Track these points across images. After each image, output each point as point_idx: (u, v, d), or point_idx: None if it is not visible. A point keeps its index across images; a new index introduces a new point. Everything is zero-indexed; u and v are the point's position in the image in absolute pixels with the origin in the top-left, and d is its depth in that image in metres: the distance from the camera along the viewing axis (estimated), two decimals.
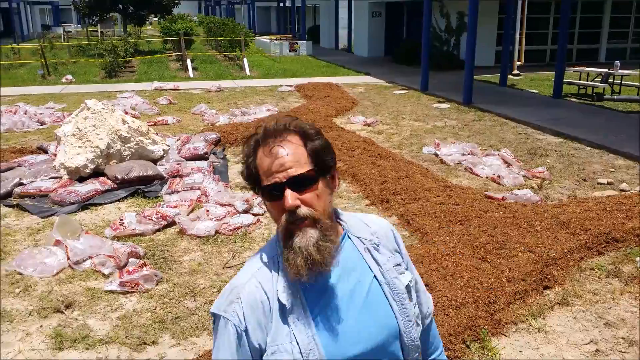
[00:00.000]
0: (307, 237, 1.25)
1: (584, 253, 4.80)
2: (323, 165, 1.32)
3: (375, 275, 1.37)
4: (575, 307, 4.06)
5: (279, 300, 1.29)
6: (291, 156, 1.27)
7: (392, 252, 1.44)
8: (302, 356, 1.26)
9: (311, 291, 1.31)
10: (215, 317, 1.34)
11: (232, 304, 1.31)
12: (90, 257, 4.77)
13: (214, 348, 1.36)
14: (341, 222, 1.41)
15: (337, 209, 1.44)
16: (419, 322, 1.45)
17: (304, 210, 1.26)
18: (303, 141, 1.31)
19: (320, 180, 1.31)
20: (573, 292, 4.25)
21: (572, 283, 4.38)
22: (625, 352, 3.54)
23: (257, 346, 1.29)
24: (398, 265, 1.43)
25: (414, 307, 1.43)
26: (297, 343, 1.26)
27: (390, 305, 1.36)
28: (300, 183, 1.27)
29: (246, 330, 1.29)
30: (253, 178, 1.32)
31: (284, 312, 1.29)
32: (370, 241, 1.41)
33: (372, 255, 1.39)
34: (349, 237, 1.39)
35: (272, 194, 1.28)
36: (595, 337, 3.70)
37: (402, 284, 1.39)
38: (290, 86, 14.96)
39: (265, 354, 1.29)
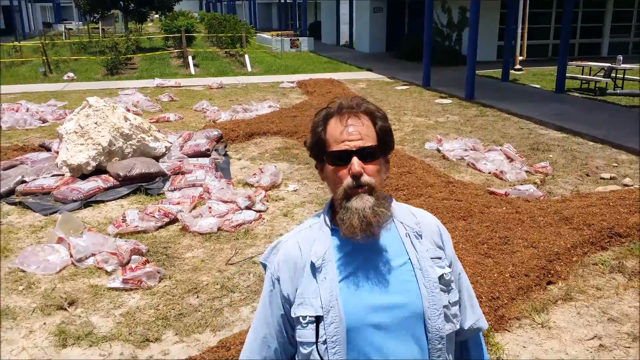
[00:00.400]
0: (364, 201, 1.38)
1: (587, 248, 4.78)
2: (385, 145, 1.46)
3: (410, 259, 1.44)
4: (578, 303, 4.05)
5: (311, 260, 1.43)
6: (363, 130, 1.41)
7: (434, 246, 1.51)
8: (322, 312, 1.38)
9: (344, 258, 1.43)
10: (263, 266, 1.55)
11: (272, 255, 1.52)
12: (93, 255, 4.77)
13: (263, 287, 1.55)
14: (390, 206, 1.50)
15: (389, 195, 1.53)
16: (454, 320, 1.47)
17: (366, 177, 1.39)
18: (372, 121, 1.44)
19: (381, 157, 1.45)
20: (576, 287, 4.24)
21: (576, 278, 4.37)
22: (629, 347, 3.53)
23: (286, 295, 1.45)
24: (438, 258, 1.49)
25: (447, 301, 1.46)
26: (321, 299, 1.38)
27: (420, 290, 1.42)
28: (366, 154, 1.40)
29: (279, 279, 1.46)
30: (318, 145, 1.45)
31: (314, 270, 1.42)
32: (412, 229, 1.49)
33: (411, 241, 1.47)
34: (393, 221, 1.48)
35: (338, 159, 1.40)
36: (599, 332, 3.69)
37: (435, 273, 1.45)
38: (292, 82, 14.94)
39: (293, 304, 1.44)
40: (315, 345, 1.39)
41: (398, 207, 1.53)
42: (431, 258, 1.46)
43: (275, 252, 1.51)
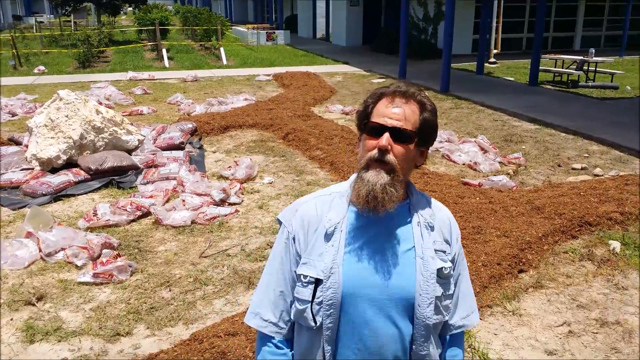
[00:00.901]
0: (379, 176, 1.43)
1: (558, 237, 4.85)
2: (424, 136, 1.51)
3: (415, 246, 1.50)
4: (549, 290, 4.11)
5: (324, 225, 1.50)
6: (406, 114, 1.47)
7: (442, 239, 1.55)
8: (323, 275, 1.46)
9: (355, 230, 1.50)
10: (279, 222, 1.61)
11: (290, 214, 1.58)
12: (62, 249, 4.69)
13: (273, 246, 1.62)
14: (410, 193, 1.57)
15: (414, 185, 1.60)
16: (443, 311, 1.53)
17: (390, 156, 1.44)
18: (420, 110, 1.50)
19: (415, 146, 1.50)
20: (547, 275, 4.30)
21: (547, 266, 4.43)
22: (597, 333, 3.59)
23: (298, 252, 1.54)
24: (442, 252, 1.54)
25: (440, 293, 1.51)
26: (324, 264, 1.47)
27: (416, 277, 1.47)
28: (398, 136, 1.45)
29: (294, 238, 1.54)
30: (364, 115, 1.52)
31: (325, 236, 1.50)
32: (425, 219, 1.54)
33: (420, 231, 1.52)
34: (409, 208, 1.54)
35: (373, 130, 1.47)
36: (568, 318, 3.75)
37: (435, 264, 1.50)
38: (268, 75, 14.85)
39: (299, 262, 1.52)
40: (310, 304, 1.48)
41: (417, 196, 1.58)
42: (435, 250, 1.52)
43: (293, 212, 1.57)
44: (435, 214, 1.58)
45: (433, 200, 1.62)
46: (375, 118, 1.48)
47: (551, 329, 3.65)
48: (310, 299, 1.48)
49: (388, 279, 1.47)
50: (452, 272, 1.55)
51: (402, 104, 1.48)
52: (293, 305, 1.54)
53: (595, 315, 3.78)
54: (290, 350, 1.60)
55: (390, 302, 1.46)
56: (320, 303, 1.47)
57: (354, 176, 1.57)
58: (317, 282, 1.47)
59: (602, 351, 3.41)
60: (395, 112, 1.46)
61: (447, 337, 1.63)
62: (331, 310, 1.46)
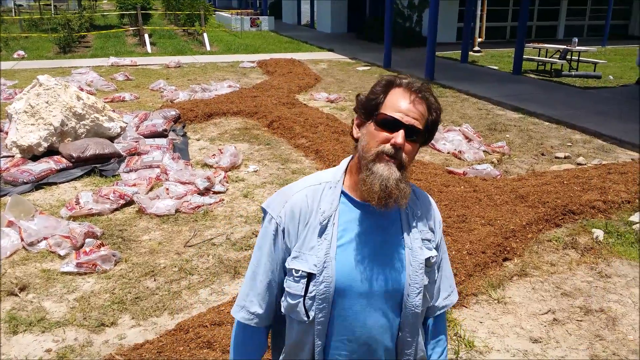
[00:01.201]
0: (391, 171, 1.40)
1: (542, 225, 4.89)
2: (428, 136, 1.50)
3: (403, 237, 1.50)
4: (533, 278, 4.14)
5: (317, 218, 1.47)
6: (421, 113, 1.44)
7: (427, 227, 1.56)
8: (316, 269, 1.43)
9: (347, 223, 1.48)
10: (264, 212, 1.55)
11: (279, 205, 1.52)
12: (45, 238, 4.61)
13: (259, 237, 1.58)
14: None
15: None
16: (429, 298, 1.57)
17: (403, 154, 1.42)
18: (429, 110, 1.47)
19: (418, 144, 1.48)
20: (531, 263, 4.34)
21: (531, 255, 4.47)
22: (581, 321, 3.63)
23: (288, 246, 1.50)
24: (428, 240, 1.55)
25: (427, 281, 1.53)
26: (317, 258, 1.44)
27: (405, 267, 1.48)
28: (411, 134, 1.43)
29: (283, 230, 1.50)
30: (373, 104, 1.46)
31: (317, 228, 1.46)
32: (411, 209, 1.54)
33: (408, 221, 1.52)
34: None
35: (388, 124, 1.42)
36: (552, 306, 3.79)
37: (423, 255, 1.51)
38: (252, 62, 14.72)
39: (290, 256, 1.49)
40: (302, 299, 1.46)
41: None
42: (422, 239, 1.53)
43: (282, 203, 1.52)
44: (420, 203, 1.58)
45: (415, 188, 1.61)
46: (390, 111, 1.43)
47: (536, 316, 3.68)
48: (302, 294, 1.46)
49: (379, 272, 1.46)
50: (437, 259, 1.58)
51: (417, 102, 1.44)
52: (284, 300, 1.52)
53: (579, 303, 3.83)
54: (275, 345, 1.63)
55: (381, 294, 1.47)
56: (312, 298, 1.45)
57: (343, 165, 1.56)
58: (309, 277, 1.45)
59: (586, 338, 3.46)
60: (413, 110, 1.43)
61: (431, 318, 1.67)
62: (324, 305, 1.45)
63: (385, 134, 1.43)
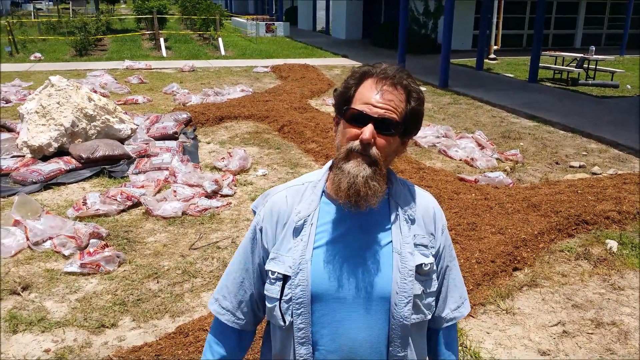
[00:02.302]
0: (361, 169, 1.31)
1: (554, 235, 4.78)
2: (409, 127, 1.38)
3: (392, 241, 1.38)
4: (543, 289, 4.03)
5: (293, 219, 1.40)
6: (394, 103, 1.33)
7: (424, 232, 1.43)
8: (291, 271, 1.35)
9: (327, 224, 1.39)
10: (254, 212, 1.53)
11: (260, 205, 1.49)
12: (50, 238, 4.60)
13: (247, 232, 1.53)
14: (389, 181, 1.44)
15: (394, 172, 1.47)
16: (425, 310, 1.42)
17: (374, 150, 1.31)
18: (407, 98, 1.36)
19: (399, 136, 1.37)
20: (542, 273, 4.23)
21: (542, 265, 4.36)
22: (592, 334, 3.52)
23: (265, 246, 1.44)
24: (423, 246, 1.42)
25: (421, 291, 1.39)
26: (292, 259, 1.36)
27: (392, 274, 1.36)
28: (384, 126, 1.32)
29: (262, 230, 1.44)
30: (344, 98, 1.38)
31: (294, 229, 1.39)
32: (405, 212, 1.42)
33: (399, 224, 1.40)
34: (388, 200, 1.42)
35: (355, 118, 1.33)
36: (562, 318, 3.68)
37: (414, 260, 1.38)
38: (266, 67, 14.73)
39: (268, 256, 1.43)
40: (278, 302, 1.39)
41: (398, 187, 1.45)
42: (415, 244, 1.40)
43: (263, 202, 1.49)
44: (417, 205, 1.45)
45: (416, 188, 1.50)
46: (358, 104, 1.33)
47: (545, 328, 3.58)
48: (278, 297, 1.39)
49: (362, 277, 1.35)
50: (434, 267, 1.43)
51: (388, 91, 1.33)
52: (265, 304, 1.46)
53: (590, 316, 3.71)
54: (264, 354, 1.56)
55: (363, 302, 1.35)
56: (289, 301, 1.37)
57: (328, 164, 1.47)
58: (285, 279, 1.38)
59: (596, 352, 3.34)
60: (381, 100, 1.32)
61: (440, 331, 1.55)
62: (301, 310, 1.35)
63: (354, 130, 1.33)
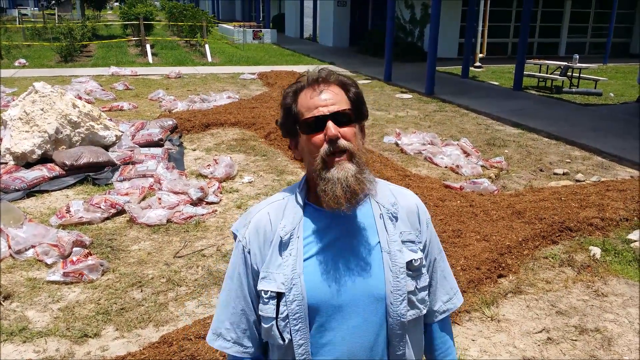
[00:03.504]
0: (346, 170, 1.32)
1: (538, 242, 4.81)
2: (359, 111, 1.42)
3: (380, 242, 1.39)
4: (528, 296, 4.05)
5: (279, 234, 1.39)
6: (335, 96, 1.38)
7: (409, 228, 1.45)
8: (284, 288, 1.35)
9: (313, 235, 1.39)
10: (234, 236, 1.49)
11: (243, 227, 1.46)
12: (33, 246, 4.54)
13: (230, 260, 1.50)
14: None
15: (371, 173, 1.48)
16: (419, 305, 1.44)
17: (343, 142, 1.34)
18: (344, 89, 1.41)
19: (356, 123, 1.40)
20: (527, 280, 4.25)
21: (526, 272, 4.39)
22: (576, 340, 3.54)
23: (255, 267, 1.41)
24: (411, 242, 1.43)
25: (413, 286, 1.42)
26: (283, 276, 1.35)
27: (384, 274, 1.37)
28: (340, 119, 1.35)
29: (249, 252, 1.42)
30: (290, 119, 1.40)
31: (281, 245, 1.38)
32: (387, 210, 1.43)
33: (384, 223, 1.41)
34: (369, 200, 1.44)
35: (313, 126, 1.35)
36: (547, 325, 3.70)
37: (403, 258, 1.40)
38: (253, 74, 14.72)
39: (259, 277, 1.41)
40: (275, 321, 1.37)
41: (378, 186, 1.46)
42: (403, 241, 1.41)
43: (246, 224, 1.45)
44: (399, 202, 1.46)
45: (392, 186, 1.51)
46: (308, 113, 1.36)
47: (530, 335, 3.59)
48: (274, 316, 1.37)
49: (355, 281, 1.36)
50: (423, 262, 1.45)
51: (326, 89, 1.38)
52: (261, 325, 1.43)
53: (574, 322, 3.74)
54: None
55: (360, 305, 1.36)
56: (285, 318, 1.36)
57: (302, 180, 1.47)
58: (279, 296, 1.37)
59: (580, 359, 3.36)
60: (326, 99, 1.36)
61: (433, 324, 1.56)
62: (299, 325, 1.35)
63: (317, 137, 1.35)
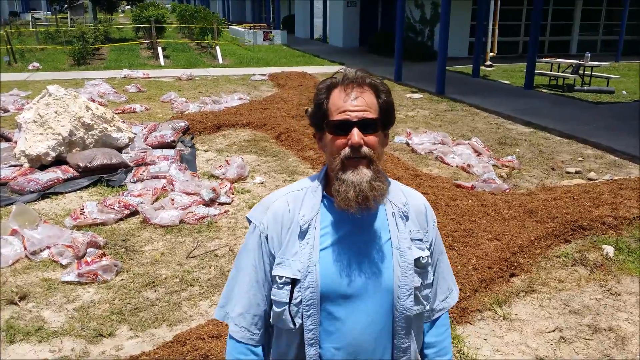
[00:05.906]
0: (362, 175, 1.37)
1: (550, 241, 4.79)
2: (387, 119, 1.44)
3: (391, 238, 1.45)
4: (540, 295, 4.04)
5: (298, 223, 1.44)
6: (367, 102, 1.39)
7: (418, 227, 1.51)
8: (300, 275, 1.40)
9: (329, 226, 1.44)
10: (249, 221, 1.53)
11: (261, 213, 1.50)
12: (48, 247, 4.60)
13: (242, 245, 1.54)
14: None
15: (384, 173, 1.50)
16: (423, 301, 1.51)
17: (366, 149, 1.37)
18: (376, 94, 1.42)
19: (381, 131, 1.43)
20: (539, 279, 4.24)
21: (539, 271, 4.37)
22: (589, 340, 3.53)
23: (272, 252, 1.47)
24: (419, 240, 1.50)
25: (420, 283, 1.48)
26: (300, 263, 1.41)
27: (394, 269, 1.43)
28: (367, 126, 1.38)
29: (267, 237, 1.47)
30: (320, 114, 1.43)
31: (299, 233, 1.43)
32: (399, 209, 1.49)
33: (395, 221, 1.47)
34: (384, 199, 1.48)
35: (339, 128, 1.38)
36: (560, 324, 3.69)
37: (412, 255, 1.46)
38: (264, 75, 14.77)
39: (274, 262, 1.46)
40: (287, 306, 1.42)
41: (391, 185, 1.52)
42: (412, 239, 1.48)
43: (264, 211, 1.50)
44: (409, 202, 1.53)
45: (405, 187, 1.58)
46: (336, 115, 1.39)
47: (542, 334, 3.58)
48: (287, 301, 1.43)
49: (366, 274, 1.42)
50: (429, 260, 1.52)
51: (358, 93, 1.40)
52: (272, 309, 1.48)
53: (587, 321, 3.72)
54: (265, 356, 1.55)
55: (369, 297, 1.43)
56: (298, 304, 1.41)
57: (323, 169, 1.52)
58: (294, 283, 1.42)
59: (594, 358, 3.35)
60: (356, 104, 1.38)
61: (430, 322, 1.62)
62: (311, 311, 1.41)
63: (341, 140, 1.38)
